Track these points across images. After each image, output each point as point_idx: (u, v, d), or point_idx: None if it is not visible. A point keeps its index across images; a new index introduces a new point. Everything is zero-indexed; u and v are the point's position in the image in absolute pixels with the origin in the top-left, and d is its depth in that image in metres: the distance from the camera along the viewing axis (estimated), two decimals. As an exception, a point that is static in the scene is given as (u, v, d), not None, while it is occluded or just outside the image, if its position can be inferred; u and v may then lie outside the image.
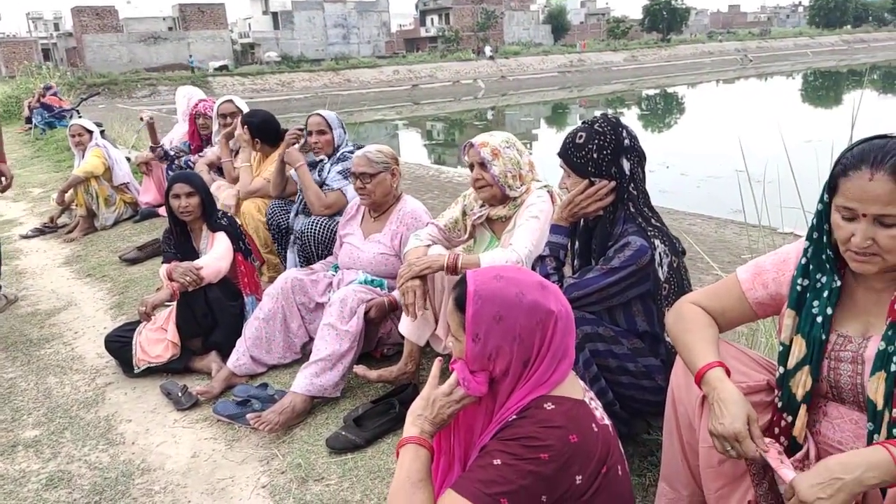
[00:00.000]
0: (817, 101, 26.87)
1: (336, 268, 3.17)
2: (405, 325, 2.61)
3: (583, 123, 2.02)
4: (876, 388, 1.39)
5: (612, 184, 1.97)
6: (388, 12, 67.10)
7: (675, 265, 1.97)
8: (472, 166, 2.52)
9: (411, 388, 2.64)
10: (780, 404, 1.56)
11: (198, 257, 3.20)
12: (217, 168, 4.74)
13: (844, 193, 1.34)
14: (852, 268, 1.42)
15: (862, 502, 1.37)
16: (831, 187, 1.39)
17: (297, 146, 3.58)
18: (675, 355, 1.97)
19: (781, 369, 1.56)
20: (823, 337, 1.49)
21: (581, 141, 1.98)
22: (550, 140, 18.93)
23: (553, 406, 1.38)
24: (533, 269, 2.12)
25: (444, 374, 1.50)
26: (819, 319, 1.49)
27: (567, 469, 1.32)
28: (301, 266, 3.39)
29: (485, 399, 1.48)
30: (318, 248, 3.38)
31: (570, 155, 2.01)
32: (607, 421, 1.47)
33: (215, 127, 4.80)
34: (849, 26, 78.41)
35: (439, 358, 1.58)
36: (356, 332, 2.69)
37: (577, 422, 1.37)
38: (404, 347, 2.66)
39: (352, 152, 3.60)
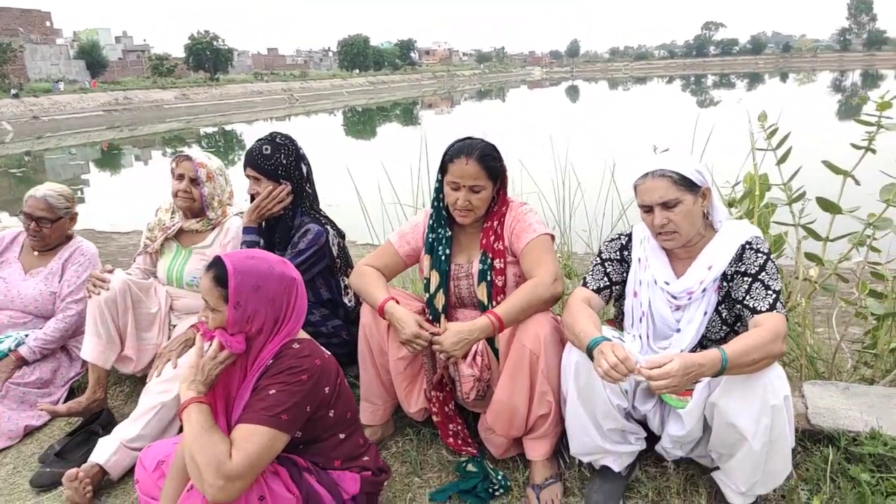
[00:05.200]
0: (357, 134, 31.17)
1: None
2: (89, 351, 2.62)
3: (261, 139, 2.50)
4: (483, 293, 2.27)
5: (289, 187, 2.50)
6: None
7: (341, 245, 2.63)
8: (181, 177, 2.70)
9: (105, 413, 2.67)
10: (430, 318, 2.34)
11: None
12: None
13: (452, 173, 2.18)
14: (458, 221, 2.28)
15: (486, 358, 2.23)
16: (443, 170, 2.22)
17: None
18: (352, 312, 2.63)
19: (426, 295, 2.35)
20: (447, 268, 2.32)
21: (268, 152, 2.47)
22: (105, 183, 17.64)
23: (298, 345, 1.86)
24: None
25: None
26: (443, 258, 2.32)
27: (319, 383, 1.82)
28: None
29: (239, 358, 1.86)
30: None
31: (261, 164, 2.47)
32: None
33: None
34: (371, 70, 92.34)
35: (202, 330, 1.84)
36: None
37: (316, 351, 1.88)
38: (90, 374, 2.66)
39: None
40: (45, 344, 2.76)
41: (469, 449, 2.36)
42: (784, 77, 67.16)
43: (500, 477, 2.23)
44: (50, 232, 2.83)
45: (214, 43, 64.81)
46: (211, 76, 63.50)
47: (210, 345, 1.80)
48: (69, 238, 2.98)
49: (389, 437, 2.54)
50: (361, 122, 38.64)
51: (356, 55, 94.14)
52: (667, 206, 1.91)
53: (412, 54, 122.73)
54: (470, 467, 2.28)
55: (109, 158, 25.68)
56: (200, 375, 1.76)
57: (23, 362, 2.72)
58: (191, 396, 1.73)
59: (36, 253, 2.92)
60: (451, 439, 2.38)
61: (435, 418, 2.36)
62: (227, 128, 35.83)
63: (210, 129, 35.23)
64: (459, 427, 2.38)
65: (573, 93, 60.28)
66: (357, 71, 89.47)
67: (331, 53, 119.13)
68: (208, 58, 64.26)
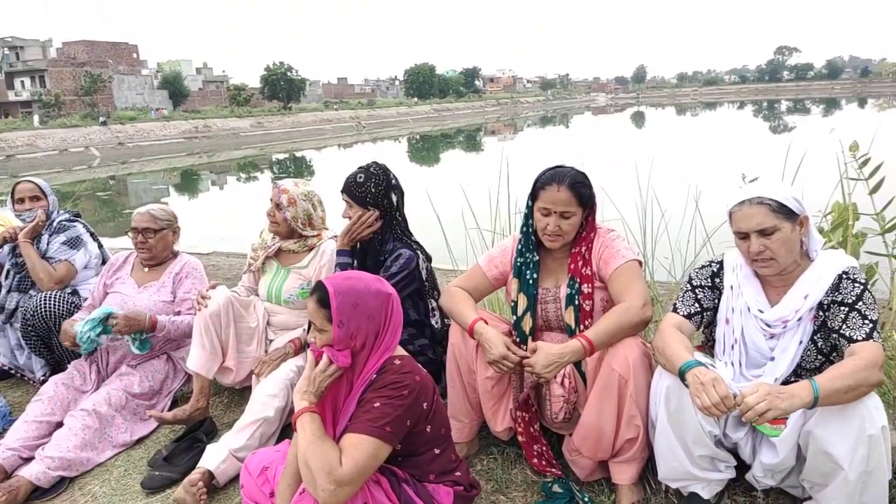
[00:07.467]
0: (421, 160, 31.65)
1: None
2: (194, 361, 2.80)
3: (360, 168, 2.66)
4: (570, 317, 2.33)
5: (377, 213, 2.64)
6: (-39, 73, 56.47)
7: (429, 269, 2.74)
8: (271, 201, 2.93)
9: (208, 421, 2.84)
10: (517, 339, 2.41)
11: None
12: None
13: (543, 199, 2.26)
14: (547, 246, 2.35)
15: (574, 380, 2.28)
16: (533, 196, 2.30)
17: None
18: (438, 333, 2.72)
19: (514, 317, 2.42)
20: (535, 292, 2.39)
21: (361, 180, 2.63)
22: (183, 206, 18.37)
23: (400, 361, 1.97)
24: None
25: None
26: (531, 281, 2.40)
27: (419, 399, 1.92)
28: (29, 345, 3.22)
29: (346, 372, 1.98)
30: (56, 323, 3.18)
31: (353, 190, 2.63)
32: None
33: None
34: (436, 97, 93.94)
35: (311, 348, 1.98)
36: None
37: (416, 368, 1.99)
38: (195, 384, 2.84)
39: (70, 221, 3.54)
40: (175, 325, 2.98)
41: (553, 470, 2.40)
42: (862, 103, 64.35)
43: (586, 499, 2.26)
44: (155, 242, 3.06)
45: (288, 73, 67.46)
46: (284, 105, 66.05)
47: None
48: (175, 254, 3.23)
49: (475, 454, 2.61)
50: (425, 149, 39.25)
51: (422, 83, 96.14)
52: (764, 233, 1.93)
53: (476, 82, 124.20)
54: (556, 488, 2.32)
55: (188, 183, 26.94)
56: (312, 387, 1.89)
57: (154, 327, 2.92)
58: (304, 406, 1.85)
59: (146, 269, 3.17)
60: (535, 460, 2.42)
61: (520, 438, 2.42)
62: (298, 154, 37.04)
63: (282, 156, 36.51)
64: (544, 448, 2.42)
65: (639, 118, 59.52)
66: (416, 100, 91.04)
67: (397, 82, 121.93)
68: (282, 87, 66.92)
